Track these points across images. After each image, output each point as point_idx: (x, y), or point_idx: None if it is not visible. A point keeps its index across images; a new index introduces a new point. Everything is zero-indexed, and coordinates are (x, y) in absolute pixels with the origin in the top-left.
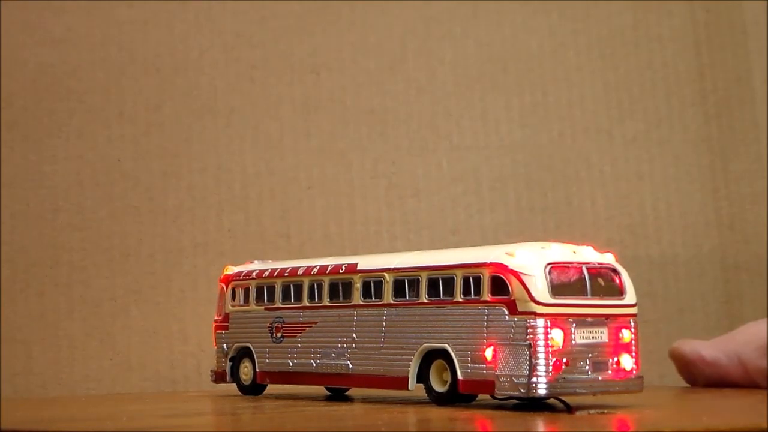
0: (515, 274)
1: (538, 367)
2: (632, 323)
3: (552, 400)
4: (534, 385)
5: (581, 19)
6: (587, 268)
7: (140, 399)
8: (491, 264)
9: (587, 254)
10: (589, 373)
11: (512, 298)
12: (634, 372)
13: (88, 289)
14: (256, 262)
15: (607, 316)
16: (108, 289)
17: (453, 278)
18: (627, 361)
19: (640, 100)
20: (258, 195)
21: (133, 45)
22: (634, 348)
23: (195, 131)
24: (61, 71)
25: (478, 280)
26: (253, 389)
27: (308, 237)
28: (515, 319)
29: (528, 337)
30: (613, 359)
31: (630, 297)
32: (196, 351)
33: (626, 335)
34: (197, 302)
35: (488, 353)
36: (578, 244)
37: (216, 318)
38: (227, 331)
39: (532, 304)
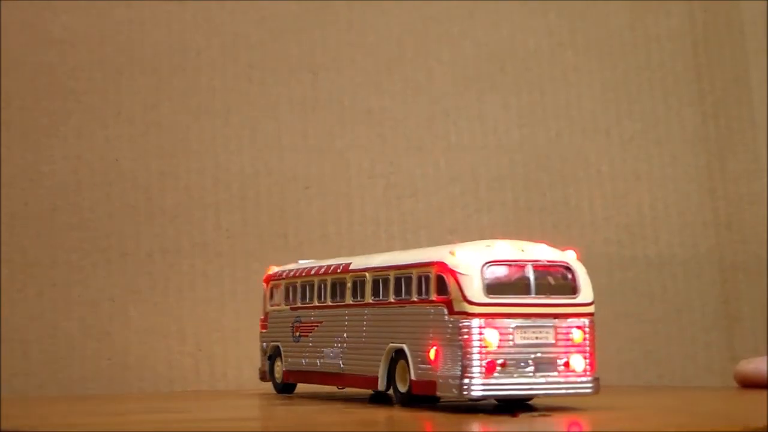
0: (453, 273)
1: (469, 369)
2: (586, 323)
3: (533, 402)
4: (466, 387)
5: (579, 19)
6: (533, 267)
7: (138, 398)
8: (435, 263)
9: (538, 252)
10: (532, 374)
11: (450, 298)
12: (587, 373)
13: (86, 289)
14: (300, 261)
15: (555, 315)
16: (106, 289)
17: (411, 277)
18: (578, 363)
19: (638, 100)
20: (256, 195)
21: (131, 45)
22: (588, 349)
23: (193, 131)
24: (59, 71)
25: (427, 280)
26: (284, 388)
27: (306, 237)
28: (451, 318)
29: (460, 337)
30: (561, 360)
31: (584, 296)
32: (194, 351)
33: (577, 335)
34: (195, 302)
35: (432, 354)
36: (537, 242)
37: (261, 318)
38: (266, 331)
39: (465, 304)
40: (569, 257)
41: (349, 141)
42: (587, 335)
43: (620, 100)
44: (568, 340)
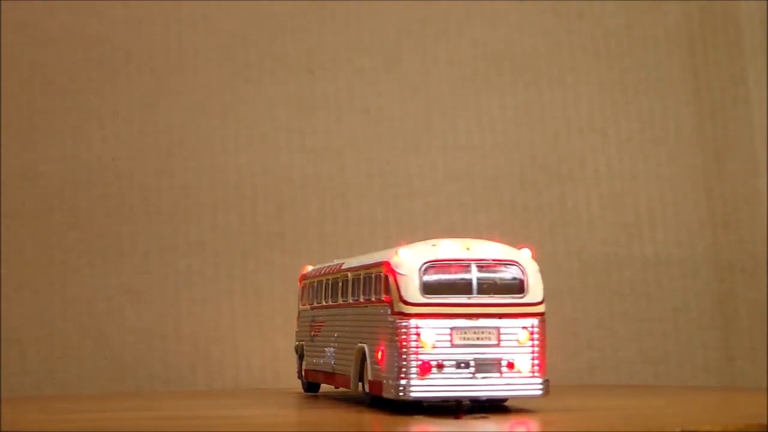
0: (393, 273)
1: (404, 370)
2: (534, 323)
3: (509, 403)
4: (402, 388)
5: (576, 19)
6: (477, 266)
7: (135, 398)
8: (383, 263)
9: (485, 251)
10: (472, 375)
11: (391, 298)
12: (535, 375)
13: (83, 289)
14: (335, 261)
15: (499, 315)
16: (102, 289)
17: (371, 277)
18: (524, 364)
19: (635, 99)
20: (252, 194)
21: (128, 44)
22: (535, 349)
23: (189, 130)
24: (55, 70)
25: (379, 279)
26: (309, 387)
27: (303, 236)
28: (391, 319)
29: (398, 337)
30: (504, 361)
31: (533, 295)
32: (191, 350)
33: (523, 336)
34: (192, 302)
35: (379, 354)
36: (494, 240)
37: (297, 317)
38: (297, 330)
39: (401, 304)
40: (520, 256)
41: (345, 140)
42: (534, 336)
43: (617, 100)
44: (512, 341)
